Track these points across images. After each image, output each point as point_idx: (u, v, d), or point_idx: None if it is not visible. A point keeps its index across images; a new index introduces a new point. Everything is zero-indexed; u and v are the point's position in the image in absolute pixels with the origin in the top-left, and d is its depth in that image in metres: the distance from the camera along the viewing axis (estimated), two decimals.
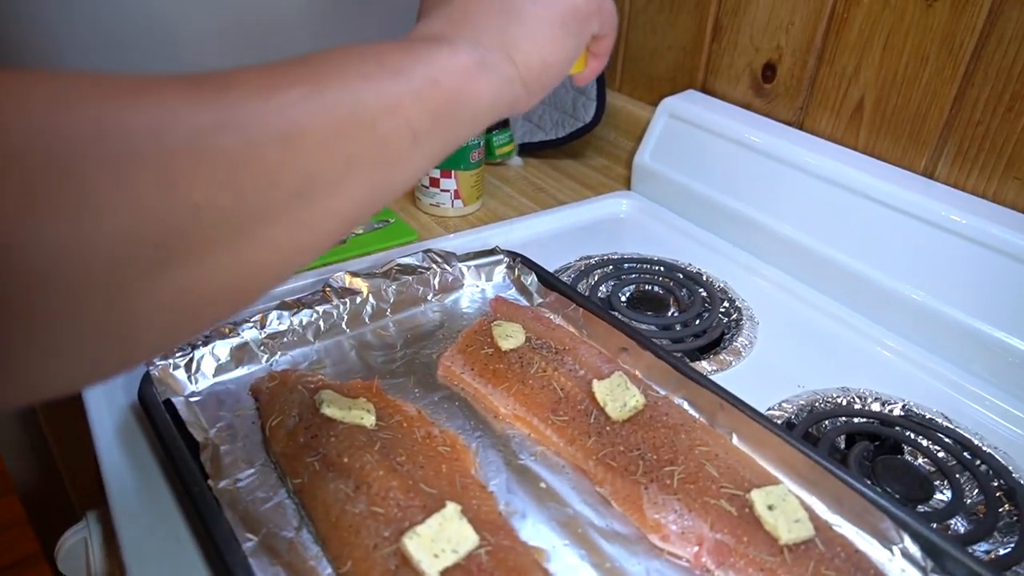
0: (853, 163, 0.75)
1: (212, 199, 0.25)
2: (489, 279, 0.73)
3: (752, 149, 0.83)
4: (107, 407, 0.56)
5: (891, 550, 0.47)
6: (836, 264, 0.75)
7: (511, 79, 0.38)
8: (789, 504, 0.48)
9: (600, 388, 0.56)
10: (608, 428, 0.54)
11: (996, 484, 0.56)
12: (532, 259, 0.73)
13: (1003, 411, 0.62)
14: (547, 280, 0.70)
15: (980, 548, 0.51)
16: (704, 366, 0.66)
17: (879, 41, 0.74)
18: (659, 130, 0.94)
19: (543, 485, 0.51)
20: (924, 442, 0.59)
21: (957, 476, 0.56)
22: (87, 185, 0.21)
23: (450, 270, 0.70)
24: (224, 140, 0.25)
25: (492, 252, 0.73)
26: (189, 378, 0.56)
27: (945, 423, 0.61)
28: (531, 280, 0.71)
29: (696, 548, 0.46)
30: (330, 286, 0.64)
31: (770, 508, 0.47)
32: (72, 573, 0.53)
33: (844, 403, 0.63)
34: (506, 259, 0.73)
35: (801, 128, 0.83)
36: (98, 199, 0.22)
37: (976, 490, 0.55)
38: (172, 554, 0.46)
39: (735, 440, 0.55)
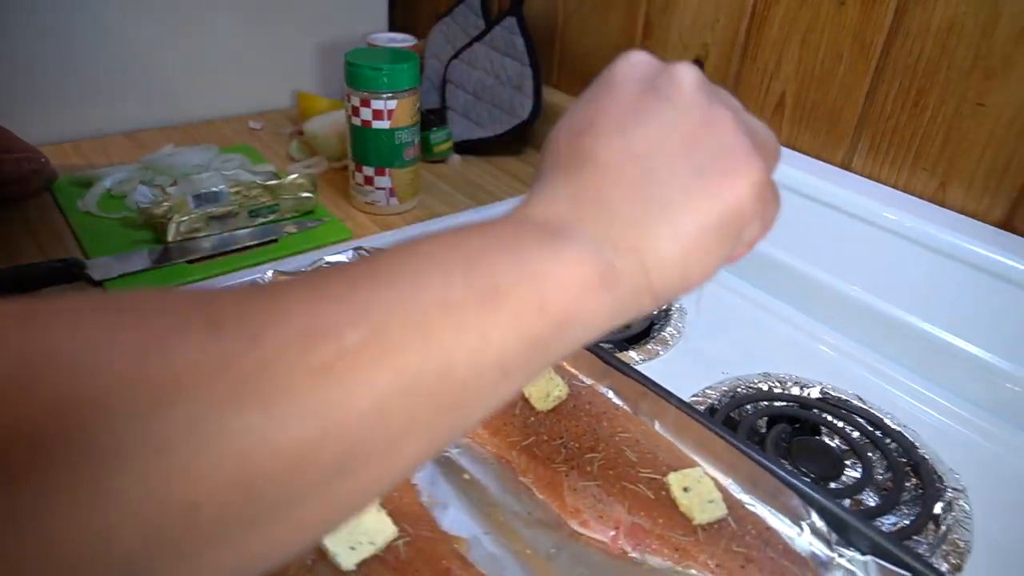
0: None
1: (214, 497, 0.18)
2: None
3: None
4: None
5: (800, 526, 0.49)
6: (760, 254, 0.77)
7: (639, 292, 0.28)
8: (704, 486, 0.49)
9: None
10: (532, 419, 0.55)
11: (903, 460, 0.58)
12: None
13: (913, 391, 0.65)
14: None
15: (888, 521, 0.54)
16: (632, 356, 0.67)
17: (797, 38, 0.76)
18: None
19: (467, 476, 0.52)
20: (838, 423, 0.61)
21: (869, 454, 0.59)
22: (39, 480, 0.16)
23: None
24: (241, 418, 0.19)
25: None
26: None
27: (859, 404, 0.63)
28: None
29: (613, 531, 0.48)
30: (257, 284, 0.64)
31: (685, 490, 0.49)
32: None
33: (765, 388, 0.65)
34: None
35: None
36: (56, 497, 0.16)
37: (885, 466, 0.58)
38: None
39: (657, 427, 0.56)
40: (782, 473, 0.50)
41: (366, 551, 0.42)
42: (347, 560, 0.42)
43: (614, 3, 0.95)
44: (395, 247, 0.25)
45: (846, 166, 0.76)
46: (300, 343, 0.20)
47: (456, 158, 1.05)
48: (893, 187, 0.72)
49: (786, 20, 0.77)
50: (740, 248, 0.32)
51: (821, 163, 0.77)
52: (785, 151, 0.79)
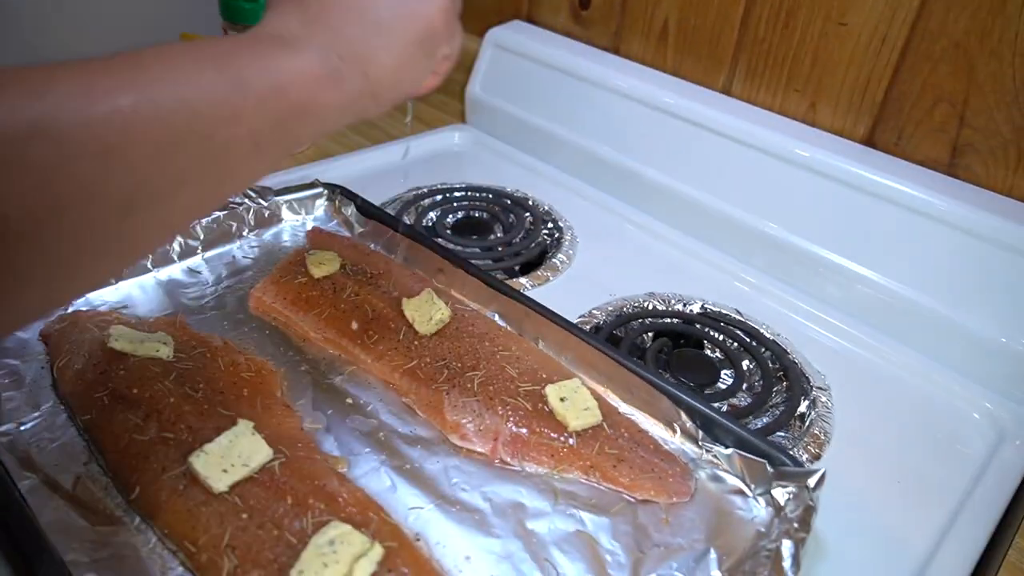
0: (661, 83, 0.79)
1: (20, 211, 0.24)
2: (310, 212, 0.72)
3: (573, 75, 0.85)
4: None
5: (673, 428, 0.52)
6: (648, 180, 0.79)
7: (362, 93, 0.37)
8: (580, 395, 0.51)
9: (409, 305, 0.57)
10: (416, 343, 0.55)
11: (775, 366, 0.61)
12: (358, 193, 0.73)
13: (786, 301, 0.69)
14: (365, 209, 0.70)
15: (759, 422, 0.57)
16: (523, 282, 0.68)
17: None
18: (487, 61, 0.94)
19: (349, 401, 0.52)
20: (717, 335, 0.64)
21: (744, 362, 0.62)
22: None
23: (265, 204, 0.69)
24: (38, 151, 0.23)
25: (311, 185, 0.72)
26: None
27: (737, 317, 0.66)
28: (351, 211, 0.71)
29: (492, 443, 0.49)
30: None
31: (562, 400, 0.50)
32: None
33: (649, 307, 0.67)
34: (325, 191, 0.72)
35: (617, 53, 0.86)
36: None
37: (759, 373, 0.61)
38: None
39: (540, 345, 0.58)
40: (651, 377, 0.52)
41: (239, 473, 0.42)
42: (219, 482, 0.42)
43: None
44: (145, 50, 0.29)
45: (726, 91, 0.78)
46: (83, 98, 0.25)
47: None
48: (769, 110, 0.74)
49: None
50: (440, 65, 0.44)
51: (703, 89, 0.79)
52: (670, 79, 0.80)
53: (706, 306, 0.68)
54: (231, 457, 0.43)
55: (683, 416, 0.51)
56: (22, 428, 0.47)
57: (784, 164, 0.69)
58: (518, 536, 0.44)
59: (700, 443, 0.50)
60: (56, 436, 0.47)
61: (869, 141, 0.68)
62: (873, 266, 0.66)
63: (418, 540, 0.43)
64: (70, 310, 0.56)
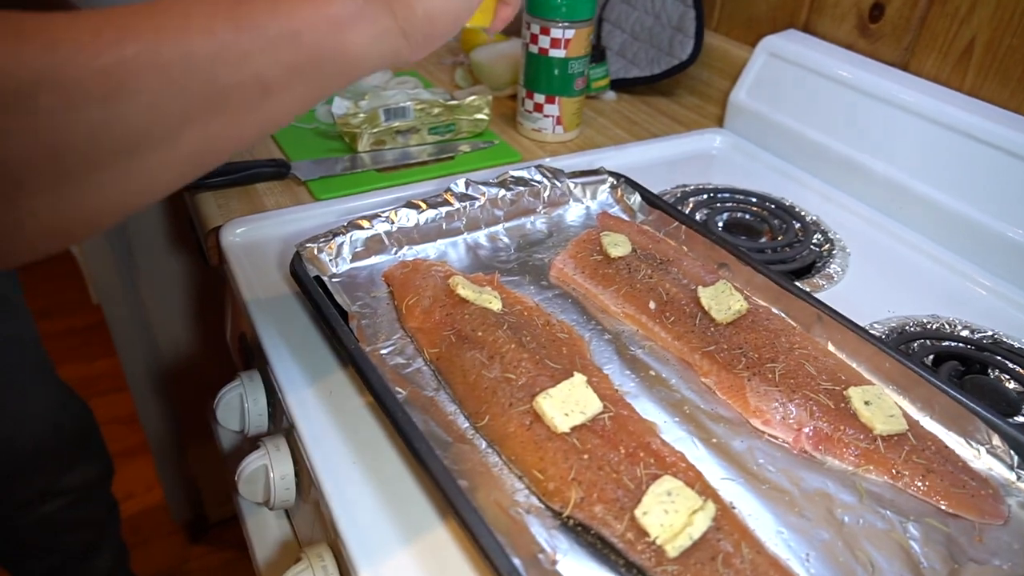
0: (956, 103, 0.76)
1: (24, 153, 0.26)
2: (594, 197, 0.77)
3: (853, 88, 0.84)
4: (258, 280, 0.63)
5: (978, 450, 0.51)
6: (930, 202, 0.77)
7: (389, 31, 0.35)
8: (884, 401, 0.52)
9: (705, 293, 0.60)
10: (712, 329, 0.58)
11: None
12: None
13: None
14: (650, 199, 0.74)
15: None
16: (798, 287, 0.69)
17: None
18: (757, 68, 0.95)
19: (652, 373, 0.56)
20: (1011, 365, 0.62)
21: None
22: None
23: (559, 185, 0.75)
24: (43, 100, 0.25)
25: (598, 172, 0.77)
26: (331, 261, 0.62)
27: None
28: (634, 199, 0.75)
29: (796, 432, 0.51)
30: (451, 190, 0.69)
31: (866, 404, 0.51)
32: (228, 423, 0.60)
33: (934, 328, 0.66)
34: (611, 179, 0.77)
35: (906, 69, 0.84)
36: None
37: None
38: (327, 402, 0.52)
39: (831, 348, 0.59)
40: (962, 398, 0.52)
41: (577, 419, 0.47)
42: (562, 423, 0.47)
43: None
44: None
45: None
46: (88, 49, 0.26)
47: (611, 95, 1.08)
48: None
49: None
50: (506, 7, 0.43)
51: (1006, 112, 0.75)
52: (967, 99, 0.78)
53: (997, 336, 0.65)
54: (570, 403, 0.48)
55: (995, 439, 0.50)
56: (381, 352, 0.56)
57: None
58: (829, 523, 0.45)
59: (1014, 469, 0.49)
60: (408, 363, 0.55)
61: None
62: None
63: (733, 509, 0.46)
64: (411, 257, 0.65)
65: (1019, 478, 0.49)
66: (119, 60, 0.27)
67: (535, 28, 0.85)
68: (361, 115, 0.81)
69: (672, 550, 0.41)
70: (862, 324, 0.65)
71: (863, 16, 0.88)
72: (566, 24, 0.84)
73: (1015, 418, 0.58)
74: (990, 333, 0.65)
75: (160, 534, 1.54)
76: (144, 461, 1.62)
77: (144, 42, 0.28)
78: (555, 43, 0.85)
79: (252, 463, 0.54)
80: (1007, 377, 0.61)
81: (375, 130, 0.82)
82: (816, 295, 0.69)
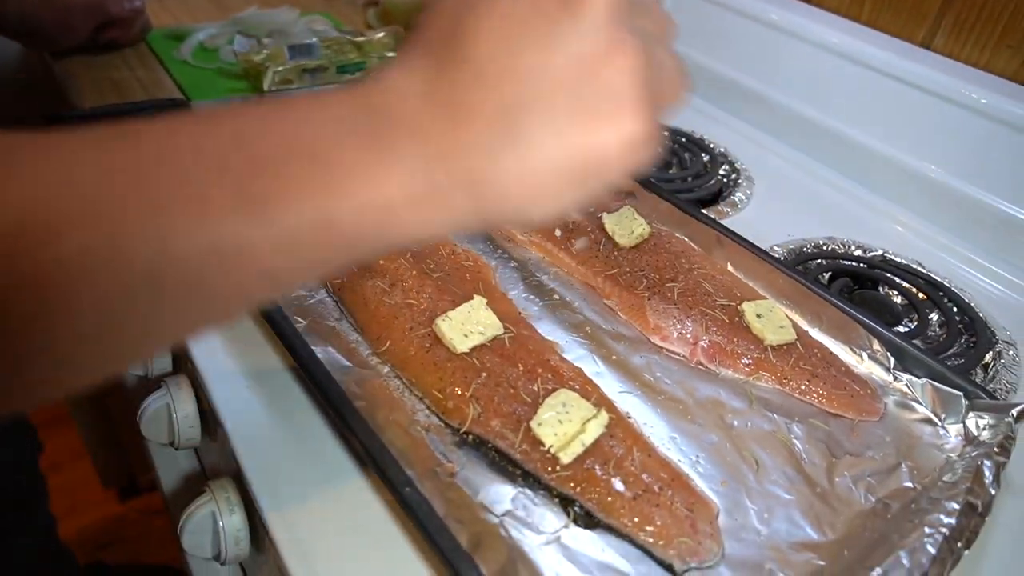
0: (854, 33, 0.78)
1: (144, 280, 0.22)
2: None
3: (758, 21, 0.86)
4: None
5: (861, 355, 0.54)
6: (831, 131, 0.79)
7: (463, 216, 0.26)
8: (775, 314, 0.54)
9: (609, 219, 0.61)
10: (616, 253, 0.59)
11: (959, 319, 0.62)
12: None
13: (970, 260, 0.69)
14: None
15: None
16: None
17: None
18: (667, 4, 0.96)
19: (556, 297, 0.57)
20: (899, 281, 0.65)
21: (926, 310, 0.63)
22: None
23: None
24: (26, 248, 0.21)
25: None
26: None
27: (919, 268, 0.67)
28: None
29: (692, 346, 0.53)
30: None
31: (758, 316, 0.53)
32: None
33: (829, 249, 0.68)
34: None
35: (809, 2, 0.86)
36: None
37: (941, 322, 0.62)
38: (227, 337, 0.51)
39: (730, 268, 0.61)
40: (848, 307, 0.54)
41: (477, 339, 0.48)
42: (461, 344, 0.47)
43: None
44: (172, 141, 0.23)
45: (926, 44, 0.76)
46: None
47: None
48: (974, 66, 0.73)
49: None
50: (597, 192, 0.27)
51: (901, 41, 0.77)
52: (865, 30, 0.80)
53: (886, 255, 0.68)
54: (469, 324, 0.49)
55: (875, 344, 0.53)
56: None
57: (987, 121, 0.68)
58: (719, 428, 0.47)
59: (891, 370, 0.52)
60: (310, 295, 0.54)
61: None
62: None
63: (629, 418, 0.47)
64: None
65: (896, 379, 0.52)
66: (86, 249, 0.21)
67: None
68: (265, 52, 0.79)
69: (565, 457, 0.42)
70: (763, 246, 0.68)
71: None
72: None
73: (898, 328, 0.61)
74: (880, 252, 0.68)
75: (92, 501, 1.51)
76: (69, 430, 1.57)
77: (101, 234, 0.21)
78: None
79: (153, 403, 0.53)
80: (894, 292, 0.65)
81: (280, 68, 0.79)
82: (721, 221, 0.71)
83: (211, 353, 0.50)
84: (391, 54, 0.86)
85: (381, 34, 0.85)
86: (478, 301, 0.50)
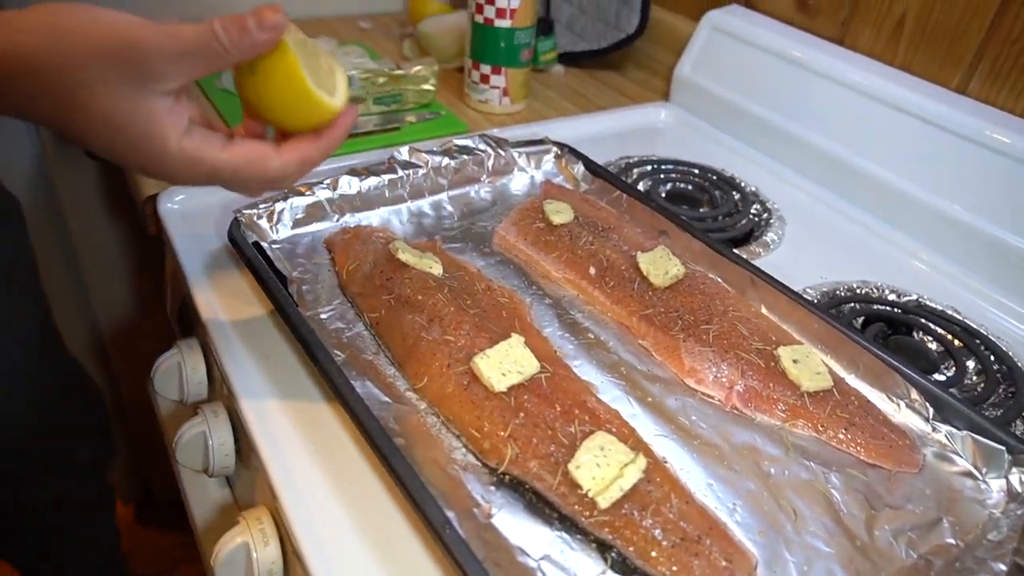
0: (888, 77, 0.79)
1: None
2: (538, 167, 0.77)
3: (793, 63, 0.86)
4: (196, 248, 0.62)
5: (898, 404, 0.53)
6: (864, 173, 0.79)
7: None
8: (812, 360, 0.54)
9: (644, 259, 0.61)
10: (650, 293, 0.59)
11: (997, 367, 0.61)
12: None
13: (1007, 308, 0.68)
14: (593, 168, 0.75)
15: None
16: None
17: None
18: (701, 43, 0.96)
19: (591, 336, 0.57)
20: (934, 327, 0.64)
21: (963, 358, 0.62)
22: None
23: (503, 154, 0.75)
24: None
25: (542, 142, 0.77)
26: (271, 228, 0.62)
27: (954, 314, 0.66)
28: (578, 169, 0.76)
29: (728, 390, 0.52)
30: (394, 158, 0.69)
31: (795, 362, 0.53)
32: (166, 392, 0.60)
33: (863, 292, 0.68)
34: (555, 148, 0.77)
35: (842, 44, 0.86)
36: None
37: (978, 370, 0.61)
38: (265, 367, 0.52)
39: (764, 311, 0.61)
40: (886, 355, 0.54)
41: (515, 378, 0.48)
42: (498, 383, 0.47)
43: None
44: None
45: (961, 90, 0.76)
46: None
47: (559, 68, 1.08)
48: (1010, 112, 0.73)
49: None
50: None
51: (935, 86, 0.78)
52: (899, 74, 0.80)
53: (922, 301, 0.68)
54: (507, 363, 0.49)
55: (913, 394, 0.53)
56: (321, 317, 0.55)
57: (1022, 167, 0.68)
58: (756, 475, 0.47)
59: (930, 421, 0.52)
60: (348, 327, 0.55)
61: None
62: None
63: (665, 463, 0.47)
64: (352, 224, 0.64)
65: (934, 429, 0.52)
66: None
67: None
68: None
69: (603, 501, 0.42)
70: (796, 287, 0.67)
71: None
72: None
73: (934, 375, 0.61)
74: (915, 297, 0.68)
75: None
76: None
77: None
78: (500, 13, 0.84)
79: (190, 430, 0.54)
80: (929, 338, 0.64)
81: None
82: (753, 262, 0.71)
83: (249, 381, 0.51)
84: (427, 86, 0.88)
85: (418, 67, 0.86)
86: (515, 339, 0.50)
